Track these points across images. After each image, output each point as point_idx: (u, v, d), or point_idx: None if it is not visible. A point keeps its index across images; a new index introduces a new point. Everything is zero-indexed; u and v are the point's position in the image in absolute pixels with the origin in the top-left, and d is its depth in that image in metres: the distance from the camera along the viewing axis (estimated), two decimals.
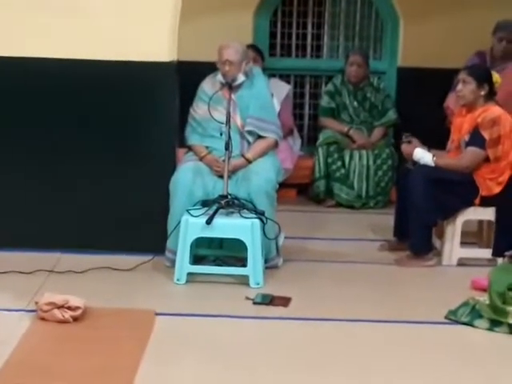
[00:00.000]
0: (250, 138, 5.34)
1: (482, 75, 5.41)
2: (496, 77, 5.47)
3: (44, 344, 4.07)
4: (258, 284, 4.95)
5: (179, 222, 4.98)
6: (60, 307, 4.28)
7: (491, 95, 5.43)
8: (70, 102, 5.35)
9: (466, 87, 5.40)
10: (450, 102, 6.44)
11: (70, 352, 3.96)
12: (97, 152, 5.39)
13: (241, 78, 5.29)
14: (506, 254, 4.93)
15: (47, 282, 4.91)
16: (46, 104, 5.36)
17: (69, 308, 4.29)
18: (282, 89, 7.24)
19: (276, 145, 5.44)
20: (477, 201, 5.41)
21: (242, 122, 5.32)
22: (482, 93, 5.38)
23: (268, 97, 5.47)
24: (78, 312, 4.30)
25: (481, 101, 5.40)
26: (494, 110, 5.36)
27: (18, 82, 5.32)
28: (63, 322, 4.26)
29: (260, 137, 5.36)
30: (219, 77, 5.31)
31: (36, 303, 4.36)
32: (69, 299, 4.30)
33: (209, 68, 5.42)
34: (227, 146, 5.06)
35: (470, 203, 5.42)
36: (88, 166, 5.40)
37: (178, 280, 4.97)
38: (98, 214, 5.43)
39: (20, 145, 5.39)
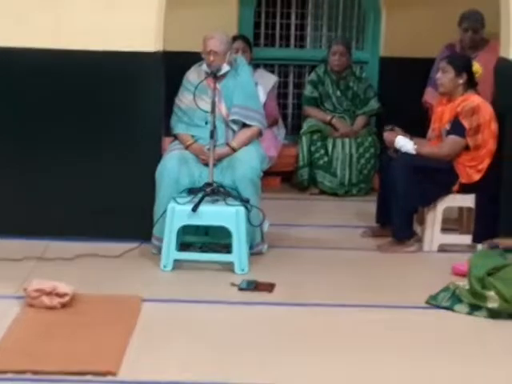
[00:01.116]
0: (235, 127, 5.40)
1: (460, 64, 5.48)
2: (477, 67, 5.54)
3: (32, 330, 4.10)
4: (243, 270, 5.01)
5: (165, 210, 5.04)
6: (48, 294, 4.31)
7: (471, 84, 5.51)
8: (56, 92, 5.37)
9: (444, 76, 5.47)
10: (428, 96, 6.51)
11: (59, 338, 4.00)
12: (83, 141, 5.42)
13: (225, 67, 5.34)
14: (484, 243, 4.99)
15: (35, 268, 4.94)
16: (31, 94, 5.38)
17: (57, 294, 4.32)
18: (269, 80, 7.28)
19: (260, 134, 5.49)
20: (457, 188, 5.49)
21: (226, 111, 5.37)
22: (461, 81, 5.45)
23: (252, 86, 5.52)
24: (66, 298, 4.34)
25: (460, 89, 5.47)
26: (474, 99, 5.43)
27: (3, 72, 5.35)
28: (51, 308, 4.29)
29: (244, 126, 5.42)
30: (204, 67, 5.35)
31: (24, 290, 4.38)
32: (57, 286, 4.33)
33: (194, 58, 5.46)
34: (212, 135, 5.10)
35: (450, 190, 5.50)
36: (74, 155, 5.43)
37: (164, 267, 5.02)
38: (85, 201, 5.46)
39: (6, 133, 5.42)
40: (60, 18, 5.28)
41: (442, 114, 5.55)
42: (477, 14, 6.44)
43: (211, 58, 5.26)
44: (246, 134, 5.39)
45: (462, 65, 5.49)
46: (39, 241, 5.34)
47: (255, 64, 7.30)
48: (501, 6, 5.45)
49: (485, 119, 5.40)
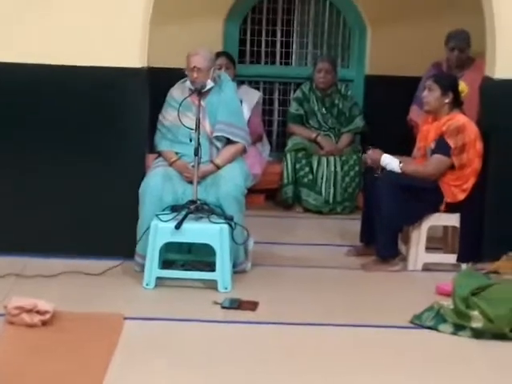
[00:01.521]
0: (219, 144, 5.39)
1: (446, 83, 5.49)
2: (462, 86, 5.54)
3: (12, 348, 4.07)
4: (226, 288, 4.99)
5: (149, 227, 5.01)
6: (29, 311, 4.28)
7: (457, 104, 5.51)
8: (42, 107, 5.35)
9: (431, 94, 5.49)
10: (413, 114, 6.53)
11: (39, 356, 3.97)
12: (66, 156, 5.39)
13: (209, 84, 5.33)
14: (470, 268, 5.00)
15: (16, 286, 4.90)
16: (15, 109, 5.35)
17: (38, 312, 4.29)
18: (253, 96, 7.29)
19: (244, 151, 5.48)
20: (442, 207, 5.48)
21: (211, 128, 5.36)
22: (446, 100, 5.47)
23: (237, 103, 5.52)
24: (47, 316, 4.31)
25: (445, 108, 5.48)
26: (459, 118, 5.44)
27: None
28: (32, 326, 4.26)
29: (228, 143, 5.41)
30: (188, 83, 5.34)
31: (4, 307, 4.35)
32: (37, 303, 4.30)
33: (179, 74, 5.45)
34: (196, 152, 5.09)
35: (435, 209, 5.50)
36: (57, 171, 5.40)
37: (146, 284, 5.00)
38: (67, 217, 5.43)
39: None
40: (44, 32, 5.26)
41: (427, 132, 5.56)
42: (463, 34, 6.47)
43: (195, 75, 5.25)
44: (230, 151, 5.38)
45: (448, 84, 5.50)
46: (19, 257, 5.30)
47: (239, 80, 7.30)
48: (486, 25, 5.48)
49: (470, 138, 5.41)
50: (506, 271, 4.86)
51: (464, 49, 6.47)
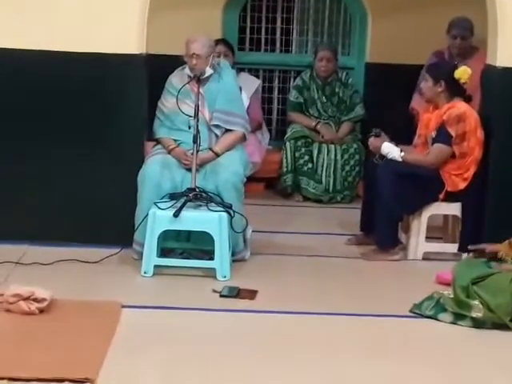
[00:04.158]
0: (218, 132, 5.36)
1: (437, 73, 5.45)
2: (461, 72, 5.44)
3: (9, 336, 4.05)
4: (225, 277, 4.97)
5: (147, 215, 4.98)
6: (26, 299, 4.27)
7: (457, 91, 5.46)
8: (38, 94, 5.32)
9: (425, 84, 5.49)
10: (415, 103, 6.50)
11: (36, 344, 3.95)
12: (64, 144, 5.37)
13: (208, 71, 5.30)
14: (470, 247, 4.96)
15: (13, 273, 4.88)
16: (12, 95, 5.32)
17: (35, 300, 4.28)
18: (252, 83, 7.26)
19: (244, 138, 5.45)
20: (442, 196, 5.46)
21: (210, 116, 5.33)
22: (439, 89, 5.42)
23: (236, 90, 5.48)
24: (44, 304, 4.30)
25: (442, 97, 5.44)
26: (460, 107, 5.40)
27: None
28: (29, 313, 4.25)
29: (228, 130, 5.37)
30: (187, 70, 5.31)
31: (1, 295, 4.33)
32: (35, 291, 4.29)
33: (178, 61, 5.42)
34: (195, 140, 5.07)
35: (435, 198, 5.47)
36: (55, 159, 5.38)
37: (145, 273, 4.98)
38: (65, 205, 5.41)
39: None
40: (42, 19, 5.23)
41: (428, 121, 5.52)
42: (465, 22, 6.42)
43: (194, 62, 5.22)
44: (229, 138, 5.35)
45: (439, 73, 5.45)
46: (17, 245, 5.28)
47: (239, 68, 7.26)
48: (488, 13, 5.43)
49: (471, 127, 5.37)
50: (507, 256, 4.78)
51: (466, 37, 6.42)
